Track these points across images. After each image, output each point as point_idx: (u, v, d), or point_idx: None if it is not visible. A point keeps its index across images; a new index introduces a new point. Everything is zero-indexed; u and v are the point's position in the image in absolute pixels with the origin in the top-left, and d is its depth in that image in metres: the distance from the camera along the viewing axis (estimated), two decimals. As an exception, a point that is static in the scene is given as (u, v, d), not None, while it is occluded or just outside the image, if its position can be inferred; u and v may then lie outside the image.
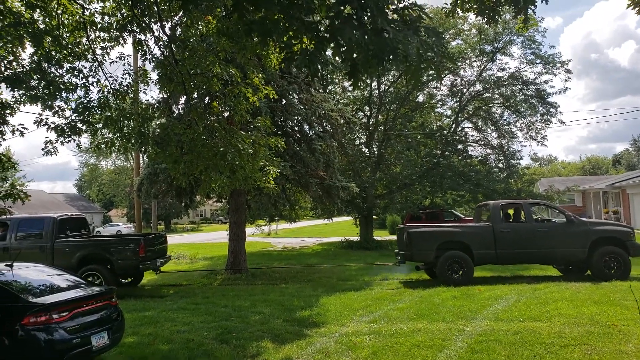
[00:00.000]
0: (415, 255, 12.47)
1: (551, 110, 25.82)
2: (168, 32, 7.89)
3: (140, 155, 21.15)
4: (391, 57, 3.09)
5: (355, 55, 3.21)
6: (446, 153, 26.32)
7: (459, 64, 25.75)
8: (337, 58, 3.55)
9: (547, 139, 26.42)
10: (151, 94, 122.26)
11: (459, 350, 6.49)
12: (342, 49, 3.18)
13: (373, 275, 13.52)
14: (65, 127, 7.50)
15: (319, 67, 3.37)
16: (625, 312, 7.82)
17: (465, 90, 26.68)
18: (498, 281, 12.01)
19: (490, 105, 27.12)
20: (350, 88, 28.14)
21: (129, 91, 8.12)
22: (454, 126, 27.66)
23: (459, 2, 6.08)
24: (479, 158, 27.21)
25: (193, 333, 8.11)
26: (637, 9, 6.06)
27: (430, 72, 24.58)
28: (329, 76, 25.39)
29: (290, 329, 8.16)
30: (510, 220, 13.12)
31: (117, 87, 8.00)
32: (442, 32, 3.53)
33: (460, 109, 26.83)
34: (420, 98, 28.76)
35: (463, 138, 27.82)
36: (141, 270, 12.99)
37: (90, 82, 7.79)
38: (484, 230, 12.45)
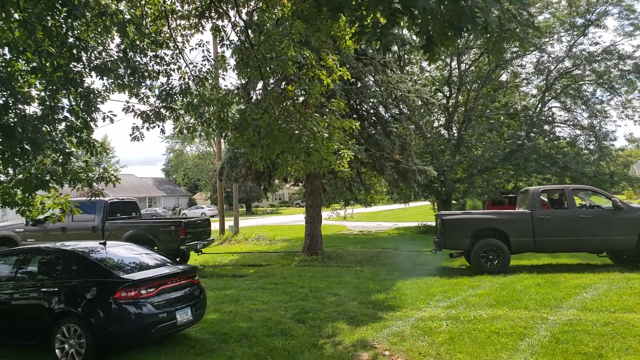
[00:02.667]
0: (449, 242, 12.10)
1: (651, 85, 23.63)
2: (245, 17, 8.06)
3: (222, 140, 21.99)
4: (469, 26, 2.90)
5: (430, 28, 3.07)
6: (531, 134, 24.93)
7: (547, 39, 24.18)
8: (412, 32, 3.40)
9: (645, 117, 24.21)
10: (230, 80, 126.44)
11: (542, 340, 6.18)
12: (417, 21, 3.05)
13: (451, 261, 13.19)
14: (150, 114, 7.93)
15: (392, 42, 3.21)
16: None
17: (552, 67, 25.02)
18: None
19: (581, 82, 25.27)
20: (428, 67, 27.41)
21: (208, 77, 8.41)
22: (540, 106, 26.07)
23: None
24: (567, 139, 25.56)
25: (271, 312, 8.37)
26: None
27: (514, 48, 23.39)
28: (406, 56, 24.83)
29: (366, 312, 8.18)
30: (555, 207, 12.38)
31: (197, 73, 8.31)
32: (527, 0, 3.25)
33: (547, 87, 25.21)
34: (504, 77, 27.40)
35: (550, 118, 26.21)
36: (182, 251, 13.69)
37: (171, 69, 8.15)
38: (522, 217, 11.86)
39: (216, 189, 26.91)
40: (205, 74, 8.44)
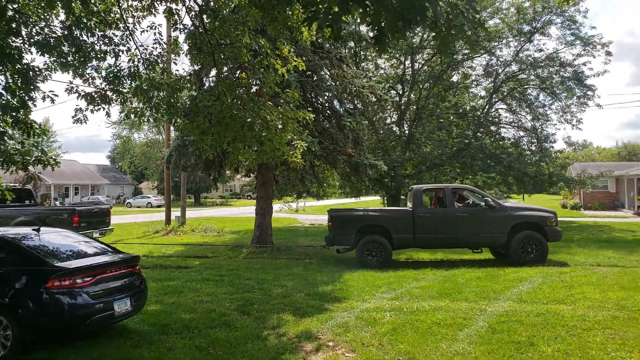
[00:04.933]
0: (337, 238, 12.51)
1: (588, 93, 25.08)
2: (200, 1, 7.87)
3: (171, 127, 21.45)
4: (418, 18, 2.97)
5: (382, 19, 3.11)
6: (478, 134, 25.84)
7: (496, 43, 25.08)
8: (365, 25, 3.42)
9: (582, 123, 25.62)
10: (183, 66, 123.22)
11: (479, 330, 6.44)
12: (369, 11, 3.08)
13: (398, 254, 13.47)
14: (95, 96, 7.60)
15: (342, 29, 3.22)
16: (655, 299, 7.61)
17: (500, 70, 26.05)
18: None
19: (526, 86, 26.46)
20: (382, 64, 27.78)
21: (159, 61, 8.17)
22: (487, 107, 27.09)
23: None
24: (512, 140, 26.72)
25: (215, 304, 8.28)
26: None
27: (465, 50, 24.11)
28: (362, 53, 25.06)
29: (312, 303, 8.24)
30: (437, 205, 13.10)
31: (148, 56, 8.06)
32: (475, -1, 3.36)
33: (495, 89, 26.23)
34: (455, 78, 28.26)
35: (496, 119, 27.29)
36: None
37: (120, 50, 7.85)
38: (404, 215, 12.46)
39: (164, 178, 26.23)
40: (156, 58, 8.19)
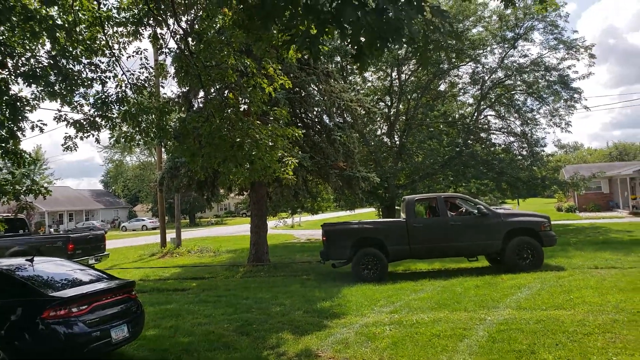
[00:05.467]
0: (332, 253, 12.41)
1: (575, 96, 25.33)
2: (184, 25, 7.92)
3: (163, 149, 21.43)
4: (395, 37, 3.00)
5: (360, 38, 3.14)
6: (469, 141, 26.00)
7: (480, 51, 25.36)
8: (344, 42, 3.47)
9: (571, 125, 25.97)
10: (172, 88, 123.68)
11: (479, 340, 6.40)
12: (348, 32, 3.11)
13: (395, 265, 13.43)
14: (84, 123, 7.60)
15: (320, 51, 3.26)
16: (654, 299, 7.60)
17: (486, 77, 26.30)
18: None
19: (513, 92, 26.70)
20: (370, 77, 28.00)
21: (146, 85, 8.19)
22: (476, 114, 27.31)
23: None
24: (502, 146, 26.88)
25: (214, 325, 8.20)
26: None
27: (452, 59, 24.36)
28: (349, 66, 25.26)
29: (311, 320, 8.18)
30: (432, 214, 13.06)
31: (135, 81, 8.07)
32: (447, 11, 3.42)
33: (482, 96, 26.47)
34: (442, 87, 28.51)
35: (486, 126, 27.50)
36: None
37: (107, 77, 7.87)
38: (398, 226, 12.44)
39: (157, 200, 26.14)
40: (143, 82, 8.21)
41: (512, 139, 27.02)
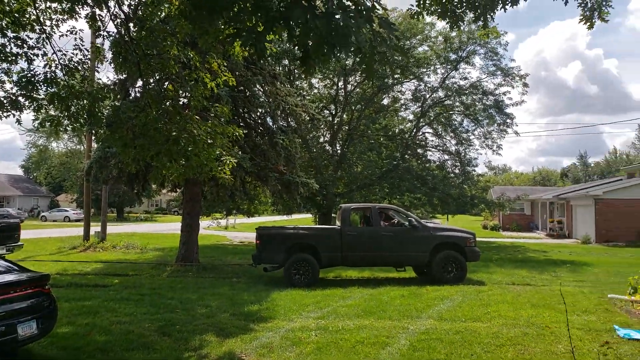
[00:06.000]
0: (265, 257, 12.47)
1: (507, 121, 26.80)
2: (126, 9, 7.58)
3: (93, 137, 20.43)
4: (342, 43, 3.00)
5: (308, 41, 3.12)
6: (406, 156, 26.76)
7: (424, 70, 26.21)
8: (292, 45, 3.42)
9: (502, 148, 27.36)
10: (108, 74, 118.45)
11: (401, 348, 6.53)
12: (296, 33, 3.08)
13: (326, 272, 13.50)
14: (4, 101, 7.06)
15: (266, 50, 3.21)
16: (559, 315, 8.11)
17: (428, 96, 27.24)
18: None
19: (451, 112, 27.81)
20: (316, 84, 28.17)
21: (79, 68, 7.74)
22: (415, 130, 28.18)
23: (422, 3, 6.09)
24: (437, 163, 27.87)
25: (134, 324, 7.85)
26: (588, 24, 6.27)
27: (396, 75, 25.01)
28: (296, 71, 25.29)
29: (237, 323, 8.03)
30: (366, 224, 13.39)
31: (67, 62, 7.61)
32: (395, 25, 3.48)
33: (422, 114, 27.35)
34: (385, 101, 29.18)
35: (423, 142, 28.41)
36: None
37: (34, 54, 7.36)
38: (332, 233, 12.70)
39: (83, 190, 24.81)
40: (76, 64, 7.75)
41: (446, 157, 28.16)
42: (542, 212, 39.48)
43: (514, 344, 6.73)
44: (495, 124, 27.04)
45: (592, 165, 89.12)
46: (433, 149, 28.43)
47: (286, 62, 23.77)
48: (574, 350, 5.72)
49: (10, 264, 6.64)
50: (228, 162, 9.31)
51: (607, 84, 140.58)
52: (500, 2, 6.16)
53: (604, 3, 6.19)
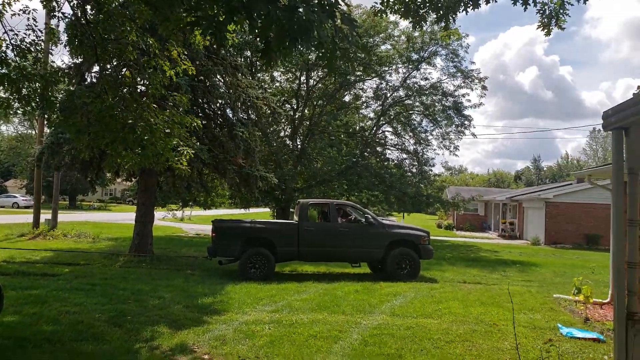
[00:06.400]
0: (220, 249, 12.40)
1: (465, 122, 27.45)
2: (83, -9, 7.33)
3: (45, 122, 19.67)
4: (303, 37, 3.03)
5: (270, 33, 3.13)
6: (365, 154, 27.05)
7: (386, 68, 26.49)
8: (253, 36, 3.43)
9: (459, 149, 28.18)
10: (63, 58, 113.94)
11: (353, 342, 6.65)
12: (257, 24, 3.09)
13: (282, 266, 13.53)
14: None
15: (226, 39, 3.19)
16: (507, 313, 8.41)
17: (389, 94, 27.57)
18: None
19: (411, 112, 28.27)
20: (278, 77, 28.03)
21: (32, 49, 7.45)
22: (375, 129, 28.50)
23: (385, 1, 6.19)
24: (395, 162, 28.32)
25: (84, 315, 7.65)
26: (545, 30, 6.54)
27: (358, 72, 25.19)
28: (258, 63, 25.08)
29: (190, 315, 7.96)
30: (323, 219, 13.62)
31: (18, 42, 7.31)
32: (357, 21, 3.55)
33: (383, 112, 27.68)
34: (347, 98, 29.34)
35: (382, 141, 28.80)
36: None
37: (-17, 32, 7.05)
38: (289, 228, 12.85)
39: (34, 177, 23.87)
40: (28, 45, 7.45)
41: (404, 155, 28.65)
42: (495, 213, 40.81)
43: (462, 340, 6.95)
44: (454, 125, 27.68)
45: (545, 169, 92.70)
46: (392, 148, 28.90)
47: (248, 53, 23.55)
48: (518, 346, 5.91)
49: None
50: (185, 152, 9.19)
51: (562, 90, 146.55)
52: (462, 4, 6.36)
53: (561, 11, 6.48)
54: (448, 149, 27.82)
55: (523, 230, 33.41)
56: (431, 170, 28.79)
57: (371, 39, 25.18)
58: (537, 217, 30.72)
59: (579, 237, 28.30)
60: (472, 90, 27.26)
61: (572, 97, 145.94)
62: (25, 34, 7.37)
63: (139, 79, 8.10)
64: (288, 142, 28.10)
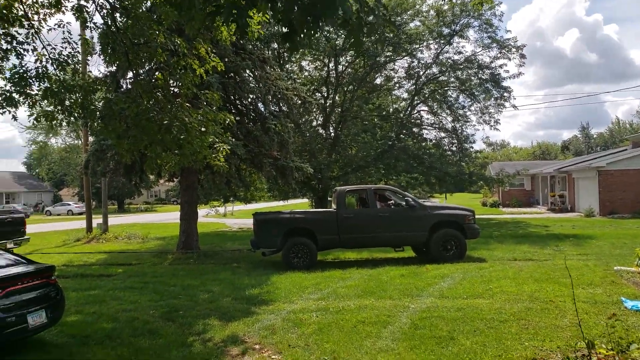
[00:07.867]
0: (262, 241, 12.51)
1: (505, 94, 26.38)
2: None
3: (88, 131, 20.39)
4: (327, 14, 2.95)
5: (292, 15, 3.07)
6: (401, 136, 26.64)
7: (417, 46, 25.88)
8: (274, 21, 3.38)
9: (499, 123, 27.24)
10: (99, 67, 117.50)
11: (402, 327, 6.61)
12: (278, 7, 3.03)
13: (325, 254, 13.59)
14: (-2, 98, 7.05)
15: (248, 25, 3.18)
16: (563, 289, 8.13)
17: (421, 72, 26.92)
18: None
19: (446, 88, 27.50)
20: (307, 67, 27.89)
21: (69, 61, 7.70)
22: (409, 109, 27.95)
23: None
24: (433, 141, 27.71)
25: (139, 312, 7.99)
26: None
27: (388, 53, 24.72)
28: (285, 54, 25.07)
29: (239, 307, 8.14)
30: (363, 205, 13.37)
31: (57, 56, 7.57)
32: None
33: (417, 91, 27.06)
34: (378, 80, 28.86)
35: (418, 121, 28.23)
36: None
37: (25, 49, 7.31)
38: (329, 216, 12.71)
39: (84, 184, 24.87)
40: (66, 58, 7.70)
41: (442, 134, 27.97)
42: (542, 186, 39.49)
43: (517, 318, 6.74)
44: (492, 99, 26.71)
45: (595, 136, 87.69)
46: (429, 127, 28.28)
47: (275, 45, 23.52)
48: (580, 323, 5.56)
49: (17, 257, 6.87)
50: (221, 149, 9.33)
51: (608, 51, 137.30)
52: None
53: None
54: (488, 124, 27.01)
55: (574, 202, 32.11)
56: (472, 147, 28.05)
57: (399, 17, 24.59)
58: (589, 187, 29.30)
59: (638, 205, 26.76)
60: (510, 60, 26.21)
61: (620, 57, 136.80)
62: (62, 47, 7.63)
63: (171, 81, 8.25)
64: (321, 131, 27.99)
